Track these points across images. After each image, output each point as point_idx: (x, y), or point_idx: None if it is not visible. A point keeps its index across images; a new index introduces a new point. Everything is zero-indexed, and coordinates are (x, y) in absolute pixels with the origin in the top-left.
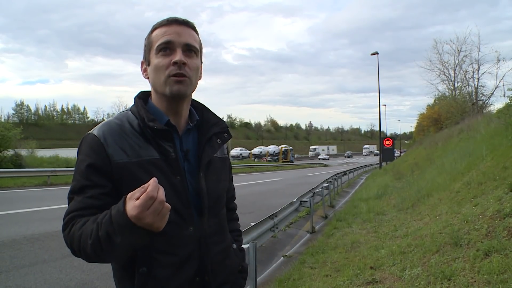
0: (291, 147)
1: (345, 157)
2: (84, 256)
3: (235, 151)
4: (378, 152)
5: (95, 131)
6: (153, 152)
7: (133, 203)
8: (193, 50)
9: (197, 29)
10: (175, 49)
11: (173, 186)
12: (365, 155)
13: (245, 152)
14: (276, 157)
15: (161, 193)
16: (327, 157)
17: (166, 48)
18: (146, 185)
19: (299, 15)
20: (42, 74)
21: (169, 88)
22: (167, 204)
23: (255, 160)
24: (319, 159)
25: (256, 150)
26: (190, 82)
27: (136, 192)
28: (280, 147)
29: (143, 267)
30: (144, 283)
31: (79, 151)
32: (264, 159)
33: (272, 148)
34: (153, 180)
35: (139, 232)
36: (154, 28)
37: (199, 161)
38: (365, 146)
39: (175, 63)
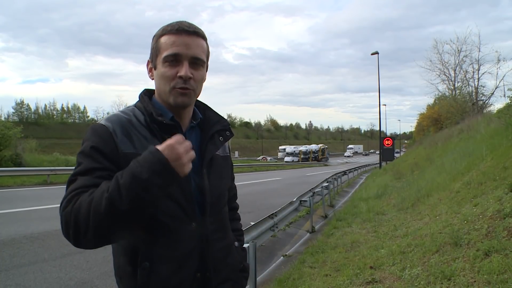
0: (326, 146)
1: (363, 155)
2: (92, 224)
3: (289, 149)
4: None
5: (103, 121)
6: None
7: (165, 142)
8: (199, 63)
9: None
10: (182, 62)
11: None
12: (347, 156)
13: (297, 150)
14: (316, 154)
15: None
16: (351, 154)
17: (173, 59)
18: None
19: (299, 14)
20: (42, 73)
21: (173, 99)
22: (192, 152)
23: (302, 156)
24: (345, 156)
25: (303, 148)
26: (194, 93)
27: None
28: (319, 146)
29: (146, 262)
30: (146, 278)
31: (85, 139)
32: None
33: (314, 147)
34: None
35: (167, 169)
36: (163, 33)
37: (202, 158)
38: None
39: (181, 77)
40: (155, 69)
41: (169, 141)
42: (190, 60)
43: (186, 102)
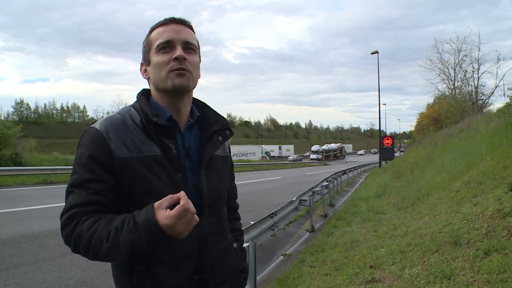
0: (343, 145)
1: (373, 153)
2: (92, 256)
3: (314, 148)
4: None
5: (97, 125)
6: (155, 148)
7: (164, 212)
8: (192, 48)
9: (198, 28)
10: (175, 46)
11: (174, 183)
12: (360, 154)
13: (321, 149)
14: (336, 152)
15: (192, 205)
16: (363, 153)
17: (166, 46)
18: (175, 196)
19: (300, 14)
20: (42, 73)
21: (171, 82)
22: (196, 216)
23: (324, 154)
24: (358, 154)
25: (325, 147)
26: (192, 76)
27: (164, 201)
28: (337, 145)
29: (141, 265)
30: (142, 280)
31: (80, 144)
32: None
33: (334, 146)
34: (183, 193)
35: (166, 239)
36: (152, 29)
37: (201, 159)
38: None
39: (176, 58)
40: (149, 64)
41: (169, 220)
42: (183, 45)
43: (184, 83)
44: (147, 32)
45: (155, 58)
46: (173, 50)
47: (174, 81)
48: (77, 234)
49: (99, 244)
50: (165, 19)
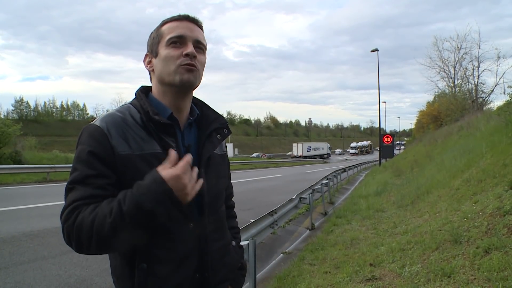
0: (372, 142)
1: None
2: (95, 242)
3: (353, 144)
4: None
5: (97, 122)
6: (155, 146)
7: (171, 169)
8: (201, 48)
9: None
10: (187, 43)
11: None
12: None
13: (357, 145)
14: (367, 148)
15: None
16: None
17: (178, 41)
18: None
19: (300, 12)
20: (42, 71)
21: (180, 76)
22: (200, 179)
23: (359, 150)
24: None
25: (360, 144)
26: (198, 74)
27: (167, 164)
28: (368, 142)
29: (143, 263)
30: (144, 279)
31: (79, 141)
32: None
33: (365, 143)
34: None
35: (171, 200)
36: (165, 22)
37: (200, 157)
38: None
39: (186, 54)
40: (156, 57)
41: (175, 171)
42: (194, 43)
43: (192, 79)
44: (158, 25)
45: (165, 51)
46: (184, 46)
47: (183, 76)
48: (79, 222)
49: (102, 222)
50: (179, 15)
